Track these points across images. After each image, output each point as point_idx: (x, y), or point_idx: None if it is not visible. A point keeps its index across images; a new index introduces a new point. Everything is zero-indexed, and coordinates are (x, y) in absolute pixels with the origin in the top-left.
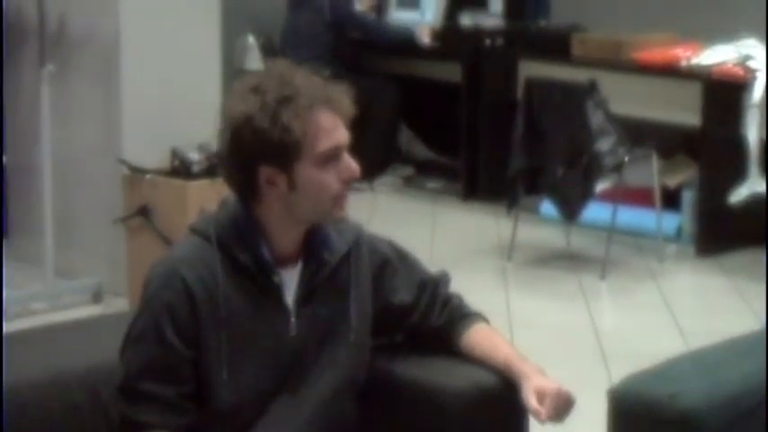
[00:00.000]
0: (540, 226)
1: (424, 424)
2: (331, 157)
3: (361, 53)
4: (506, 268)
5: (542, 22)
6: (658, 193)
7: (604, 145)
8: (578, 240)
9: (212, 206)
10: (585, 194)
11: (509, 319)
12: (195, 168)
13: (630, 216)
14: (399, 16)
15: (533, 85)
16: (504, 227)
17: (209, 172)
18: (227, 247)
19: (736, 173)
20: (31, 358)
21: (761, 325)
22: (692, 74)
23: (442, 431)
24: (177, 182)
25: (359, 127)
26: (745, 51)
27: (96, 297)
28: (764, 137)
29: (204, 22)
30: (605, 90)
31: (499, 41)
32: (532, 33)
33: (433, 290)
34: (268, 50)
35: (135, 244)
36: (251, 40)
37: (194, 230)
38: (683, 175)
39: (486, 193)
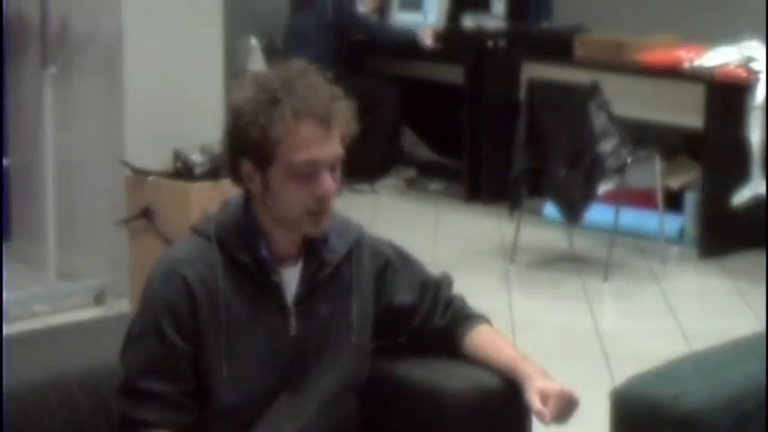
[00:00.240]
0: (543, 228)
1: (426, 425)
2: (306, 171)
3: (364, 55)
4: (509, 270)
5: (545, 24)
6: (661, 194)
7: (607, 146)
8: (581, 242)
9: (215, 208)
10: (588, 196)
11: (512, 321)
12: (198, 170)
13: (633, 218)
14: (402, 18)
15: (536, 87)
16: (506, 228)
17: (211, 174)
18: (226, 247)
19: (739, 174)
20: (32, 360)
21: (762, 327)
22: (695, 75)
23: None
24: (180, 184)
25: (362, 129)
26: (747, 53)
27: (98, 299)
28: (766, 138)
29: (207, 23)
30: (608, 92)
31: (502, 43)
32: (535, 35)
33: (435, 291)
34: (271, 52)
35: (137, 246)
36: (253, 41)
37: (195, 230)
38: (686, 177)
39: (489, 195)
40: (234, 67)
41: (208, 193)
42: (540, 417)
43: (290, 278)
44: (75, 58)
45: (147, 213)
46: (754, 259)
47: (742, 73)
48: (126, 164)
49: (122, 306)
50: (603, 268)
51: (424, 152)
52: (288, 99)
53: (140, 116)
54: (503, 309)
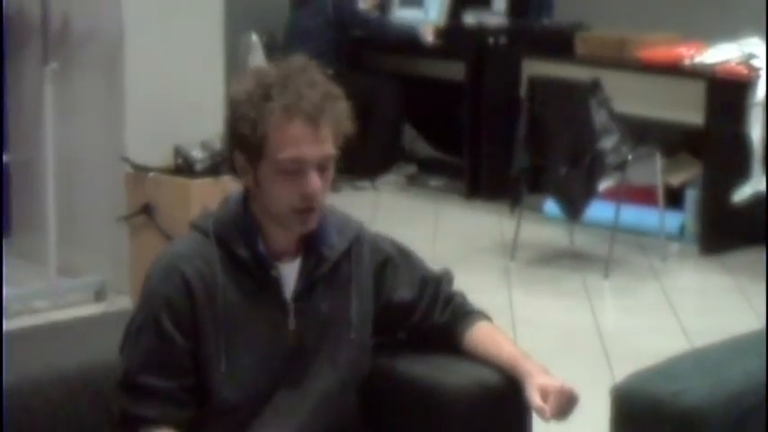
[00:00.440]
0: (544, 224)
1: (426, 422)
2: (292, 168)
3: (365, 51)
4: (509, 267)
5: (545, 21)
6: (661, 191)
7: (608, 143)
8: (581, 239)
9: (215, 204)
10: (589, 193)
11: (512, 318)
12: (198, 166)
13: (634, 215)
14: (402, 15)
15: (536, 84)
16: (507, 225)
17: (212, 170)
18: (225, 242)
19: (740, 171)
20: (33, 356)
21: (763, 324)
22: (696, 72)
23: (444, 429)
24: (180, 180)
25: (362, 126)
26: (748, 50)
27: (99, 295)
28: (767, 135)
29: (207, 20)
30: (608, 89)
31: (502, 40)
32: (536, 32)
33: (435, 288)
34: (271, 48)
35: (138, 242)
36: (254, 38)
37: (194, 226)
38: (687, 174)
39: (490, 192)
40: (234, 64)
41: (208, 190)
42: (541, 413)
43: (289, 274)
44: (76, 55)
45: (147, 209)
46: (754, 256)
47: (743, 70)
48: (126, 160)
49: (123, 302)
50: (604, 265)
51: (424, 149)
52: (280, 96)
53: (141, 112)
54: (503, 306)
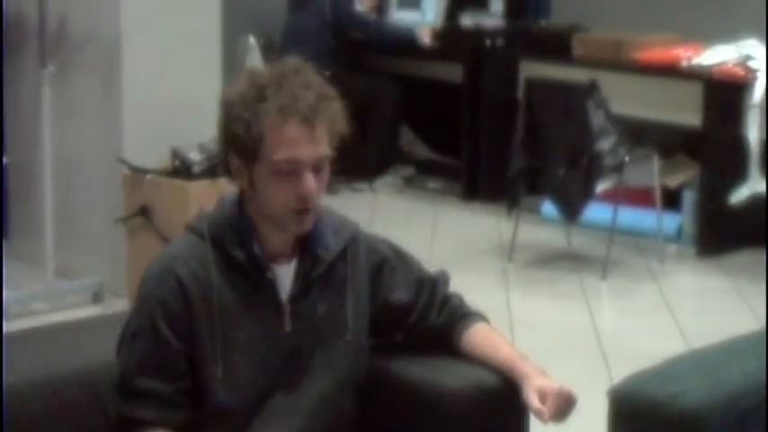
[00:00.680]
0: (541, 226)
1: (424, 423)
2: (288, 169)
3: (362, 53)
4: (507, 268)
5: (543, 23)
6: (659, 193)
7: (605, 145)
8: (579, 240)
9: (213, 206)
10: (586, 194)
11: (510, 319)
12: (196, 168)
13: (631, 216)
14: (400, 16)
15: (534, 86)
16: (504, 227)
17: (209, 172)
18: (220, 244)
19: (737, 173)
20: (31, 358)
21: (761, 325)
22: (693, 74)
23: (441, 430)
24: (178, 182)
25: (360, 127)
26: (745, 51)
27: (97, 297)
28: (765, 137)
29: (205, 21)
30: (606, 90)
31: (500, 42)
32: (533, 33)
33: (431, 289)
34: (269, 50)
35: (135, 244)
36: (252, 40)
37: (189, 228)
38: (684, 176)
39: (487, 194)
40: (232, 66)
41: (206, 192)
42: (539, 415)
43: (285, 275)
44: (74, 57)
45: (145, 212)
46: (752, 258)
47: (740, 71)
48: (124, 162)
49: (120, 304)
50: (601, 267)
51: (422, 150)
52: (274, 97)
53: (139, 114)
54: (501, 307)
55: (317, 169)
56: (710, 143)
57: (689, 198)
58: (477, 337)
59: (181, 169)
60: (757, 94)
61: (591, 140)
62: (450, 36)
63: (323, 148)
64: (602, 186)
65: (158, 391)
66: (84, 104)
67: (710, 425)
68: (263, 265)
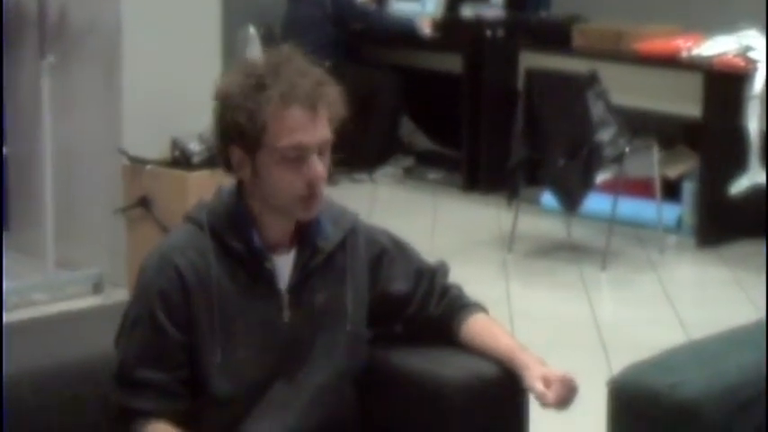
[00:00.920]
0: (541, 217)
1: (424, 414)
2: (294, 156)
3: (363, 44)
4: (507, 259)
5: (543, 13)
6: (659, 183)
7: (605, 136)
8: (579, 231)
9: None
10: (586, 185)
11: (509, 310)
12: (195, 159)
13: (631, 207)
14: (400, 7)
15: (534, 76)
16: (504, 218)
17: (209, 162)
18: (219, 234)
19: (737, 164)
20: (31, 349)
21: (760, 316)
22: (693, 65)
23: (441, 421)
24: (177, 172)
25: (360, 118)
26: (745, 42)
27: (97, 288)
28: (765, 128)
29: (205, 12)
30: (606, 81)
31: (500, 32)
32: (533, 24)
33: (430, 279)
34: (269, 41)
35: (135, 235)
36: (252, 30)
37: (188, 218)
38: (684, 166)
39: (487, 184)
40: (232, 57)
41: (205, 182)
42: (542, 399)
43: (283, 265)
44: (74, 48)
45: (144, 202)
46: (751, 248)
47: (740, 62)
48: (124, 153)
49: (120, 295)
50: (601, 257)
51: (422, 141)
52: (275, 84)
53: (138, 105)
54: (500, 298)
55: (321, 153)
56: (710, 134)
57: (689, 189)
58: (477, 327)
59: (180, 160)
60: (757, 84)
61: (591, 131)
62: (450, 27)
63: (325, 132)
64: (601, 177)
65: (157, 381)
66: (84, 95)
67: (709, 415)
68: (262, 256)
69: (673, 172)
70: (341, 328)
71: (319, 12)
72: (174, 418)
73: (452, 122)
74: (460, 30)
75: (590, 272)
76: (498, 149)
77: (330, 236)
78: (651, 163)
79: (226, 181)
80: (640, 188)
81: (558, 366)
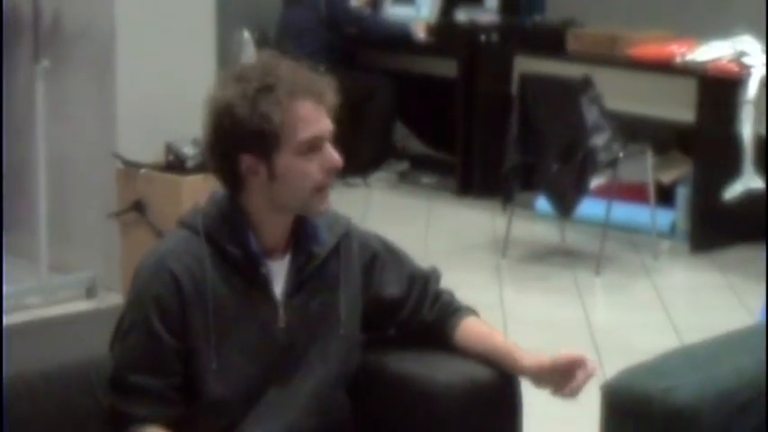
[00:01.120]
0: (535, 222)
1: (418, 418)
2: (312, 147)
3: (357, 49)
4: (501, 264)
5: (537, 18)
6: (653, 188)
7: (599, 140)
8: (573, 236)
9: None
10: (580, 190)
11: (503, 315)
12: (190, 163)
13: (625, 212)
14: (395, 12)
15: (528, 81)
16: (498, 223)
17: (203, 167)
18: (214, 239)
19: (731, 169)
20: (25, 352)
21: (753, 321)
22: (687, 70)
23: (435, 425)
24: (171, 177)
25: (354, 122)
26: (739, 48)
27: (90, 292)
28: (759, 133)
29: (199, 16)
30: (600, 86)
31: (494, 37)
32: (527, 29)
33: (423, 284)
34: (263, 45)
35: (129, 239)
36: (246, 34)
37: (182, 223)
38: (678, 171)
39: (481, 189)
40: (227, 61)
41: (199, 186)
42: (582, 359)
43: (278, 271)
44: (68, 52)
45: (138, 206)
46: (745, 254)
47: (734, 68)
48: (118, 157)
49: (113, 299)
50: (595, 262)
51: (416, 146)
52: (279, 83)
53: (132, 109)
54: (494, 302)
55: (330, 142)
56: (704, 139)
57: (682, 194)
58: (471, 329)
59: (175, 164)
60: (751, 90)
61: (585, 136)
62: (444, 31)
63: (329, 121)
64: (595, 182)
65: (151, 386)
66: (79, 99)
67: (703, 420)
68: (258, 261)
69: (667, 177)
70: (334, 333)
71: (314, 16)
72: (167, 424)
73: (446, 127)
74: (455, 34)
75: (584, 277)
76: (492, 154)
77: (325, 241)
78: (645, 168)
79: (219, 186)
80: (634, 193)
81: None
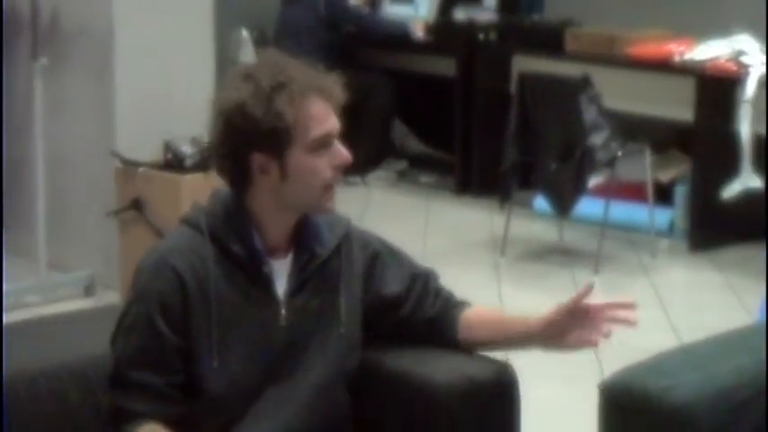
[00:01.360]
0: (533, 220)
1: (417, 416)
2: (323, 144)
3: (356, 47)
4: (499, 263)
5: (536, 17)
6: (651, 187)
7: (597, 139)
8: (571, 235)
9: (205, 199)
10: (578, 189)
11: None
12: (188, 162)
13: (623, 211)
14: (393, 11)
15: (527, 80)
16: (497, 221)
17: (202, 165)
18: (218, 237)
19: (729, 168)
20: (23, 350)
21: (752, 320)
22: (686, 69)
23: (434, 424)
24: (170, 175)
25: (353, 121)
26: (738, 47)
27: (89, 290)
28: (757, 132)
29: (198, 15)
30: (599, 85)
31: (493, 36)
32: (526, 28)
33: (424, 282)
34: (261, 44)
35: (128, 237)
36: (244, 33)
37: (185, 221)
38: (676, 170)
39: (480, 188)
40: (225, 60)
41: (198, 185)
42: (590, 342)
43: (281, 270)
44: (66, 50)
45: (137, 205)
46: (744, 252)
47: (732, 67)
48: (116, 155)
49: (112, 297)
50: (594, 261)
51: (415, 145)
52: (289, 81)
53: (131, 108)
54: (492, 301)
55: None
56: (703, 138)
57: (681, 193)
58: (476, 313)
59: (173, 162)
60: (749, 89)
61: (583, 135)
62: (443, 30)
63: (336, 118)
64: (594, 181)
65: (152, 383)
66: (77, 97)
67: (701, 419)
68: (261, 260)
69: (665, 176)
70: (335, 331)
71: (313, 15)
72: (167, 421)
73: (445, 126)
74: (453, 33)
75: (582, 275)
76: (491, 153)
77: (327, 241)
78: (643, 167)
79: (219, 184)
80: (633, 192)
81: (549, 370)
